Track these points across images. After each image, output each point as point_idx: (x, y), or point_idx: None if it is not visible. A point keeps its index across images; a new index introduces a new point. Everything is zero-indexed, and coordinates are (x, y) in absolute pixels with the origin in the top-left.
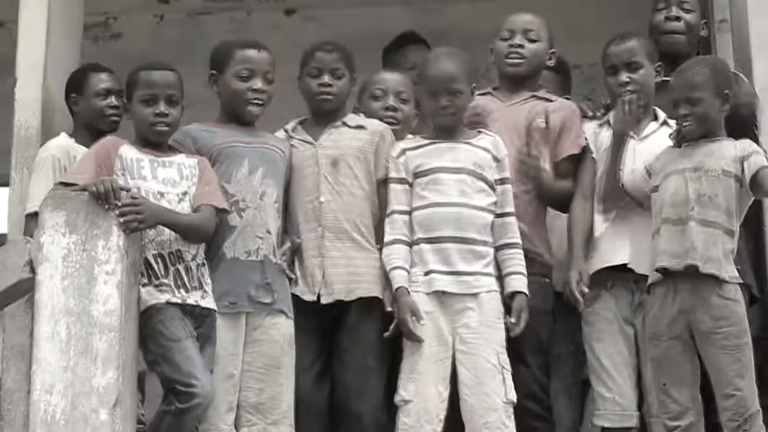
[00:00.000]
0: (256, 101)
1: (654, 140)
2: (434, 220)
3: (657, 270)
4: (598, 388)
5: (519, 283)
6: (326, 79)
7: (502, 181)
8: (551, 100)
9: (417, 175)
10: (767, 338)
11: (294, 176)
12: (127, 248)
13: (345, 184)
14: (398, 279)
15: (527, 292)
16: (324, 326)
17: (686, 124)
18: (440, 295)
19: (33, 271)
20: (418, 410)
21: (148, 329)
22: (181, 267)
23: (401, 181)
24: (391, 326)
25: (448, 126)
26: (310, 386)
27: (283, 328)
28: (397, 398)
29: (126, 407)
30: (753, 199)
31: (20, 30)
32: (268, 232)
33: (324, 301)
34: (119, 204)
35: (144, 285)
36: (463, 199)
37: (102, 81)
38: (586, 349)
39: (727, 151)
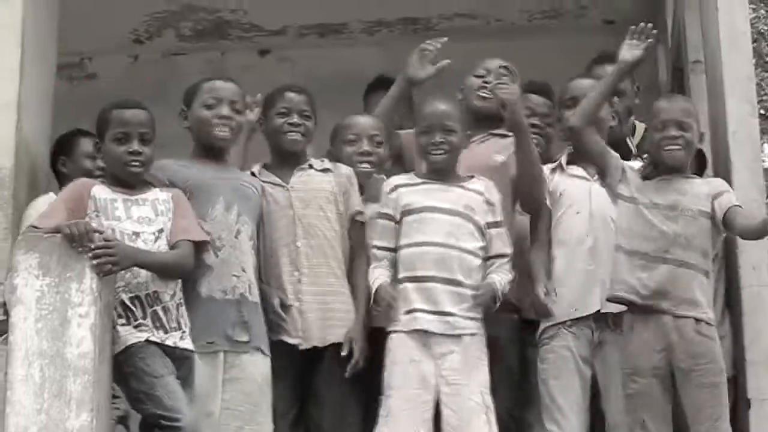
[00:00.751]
0: (222, 126)
1: None
2: (421, 259)
3: (622, 301)
4: (549, 427)
5: (498, 278)
6: (295, 119)
7: (496, 225)
8: (508, 136)
9: (406, 213)
10: (736, 377)
11: (267, 218)
12: (101, 291)
13: (318, 227)
14: (378, 279)
15: (500, 289)
16: (301, 369)
17: (675, 148)
18: (422, 336)
19: (6, 313)
20: None
21: (129, 367)
22: (158, 308)
23: (388, 217)
24: (349, 366)
25: (442, 165)
26: (287, 431)
27: (260, 366)
28: None
29: None
30: (723, 237)
31: None
32: (244, 270)
33: (301, 347)
34: (92, 246)
35: (123, 325)
36: (451, 240)
37: (90, 144)
38: (540, 386)
39: (699, 189)
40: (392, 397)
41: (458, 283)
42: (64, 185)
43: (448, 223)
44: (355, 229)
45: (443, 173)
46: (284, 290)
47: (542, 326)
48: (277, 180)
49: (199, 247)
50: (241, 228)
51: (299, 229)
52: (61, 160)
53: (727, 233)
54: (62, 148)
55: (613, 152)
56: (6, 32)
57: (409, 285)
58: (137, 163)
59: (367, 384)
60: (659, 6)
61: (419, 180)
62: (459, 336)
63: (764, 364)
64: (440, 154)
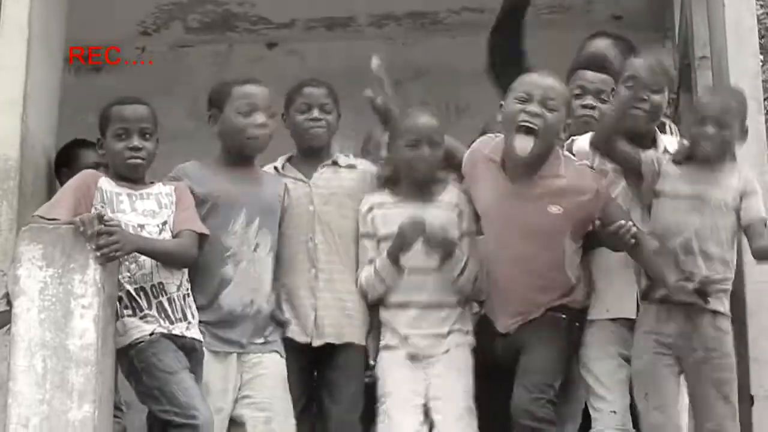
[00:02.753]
0: (259, 135)
1: None
2: (402, 287)
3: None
4: (597, 405)
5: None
6: (316, 113)
7: (468, 234)
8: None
9: (383, 238)
10: None
11: (286, 213)
12: (104, 282)
13: (336, 224)
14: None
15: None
16: (308, 365)
17: (707, 145)
18: (412, 356)
19: (9, 303)
20: None
21: (141, 363)
22: (164, 299)
23: (369, 236)
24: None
25: (423, 179)
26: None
27: (279, 364)
28: None
29: None
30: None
31: (0, 63)
32: (262, 283)
33: (315, 344)
34: (97, 230)
35: (129, 316)
36: (432, 264)
37: (91, 156)
38: (582, 370)
39: (729, 181)
40: (387, 403)
41: (441, 304)
42: None
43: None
44: None
45: (421, 185)
46: (297, 287)
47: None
48: (300, 175)
49: (201, 239)
50: (261, 241)
51: (317, 225)
52: (64, 172)
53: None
54: (64, 160)
55: (643, 155)
56: (13, 27)
57: (393, 311)
58: (138, 158)
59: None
60: (666, 1)
61: (393, 199)
62: (446, 350)
63: None
64: (425, 167)
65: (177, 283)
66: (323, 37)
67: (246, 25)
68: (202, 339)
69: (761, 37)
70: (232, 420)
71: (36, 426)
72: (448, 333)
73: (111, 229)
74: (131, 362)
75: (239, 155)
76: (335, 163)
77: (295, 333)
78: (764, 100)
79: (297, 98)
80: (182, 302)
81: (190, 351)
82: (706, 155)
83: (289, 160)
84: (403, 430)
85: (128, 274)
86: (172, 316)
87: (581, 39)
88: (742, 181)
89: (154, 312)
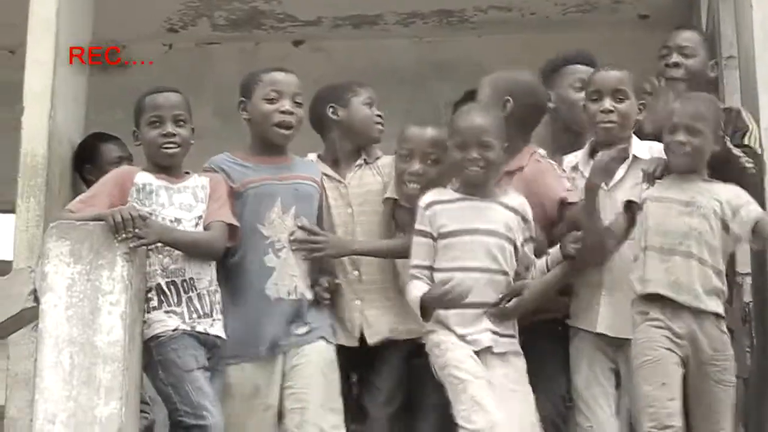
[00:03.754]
0: (284, 123)
1: (626, 185)
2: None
3: (647, 296)
4: (577, 419)
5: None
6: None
7: (532, 240)
8: None
9: (444, 235)
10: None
11: (323, 214)
12: (132, 279)
13: (375, 223)
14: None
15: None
16: (353, 364)
17: (681, 153)
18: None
19: (37, 300)
20: None
21: (159, 356)
22: (194, 294)
23: (425, 234)
24: None
25: (478, 181)
26: None
27: (323, 351)
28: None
29: None
30: (732, 249)
31: (27, 58)
32: (303, 270)
33: (370, 341)
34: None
35: (154, 309)
36: (494, 265)
37: (114, 150)
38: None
39: (718, 193)
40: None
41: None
42: None
43: (489, 245)
44: (388, 206)
45: (480, 186)
46: (341, 290)
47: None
48: (335, 175)
49: (232, 231)
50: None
51: (358, 227)
52: (87, 168)
53: (755, 245)
54: (87, 156)
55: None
56: (39, 23)
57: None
58: (172, 145)
59: None
60: (693, 0)
61: (457, 196)
62: (504, 354)
63: None
64: (476, 170)
65: (208, 278)
66: (350, 35)
67: (273, 23)
68: (225, 337)
69: None
70: (280, 413)
71: (63, 422)
72: (504, 336)
73: (135, 217)
74: (150, 355)
75: (268, 144)
76: (366, 162)
77: (342, 338)
78: None
79: (359, 94)
80: (212, 298)
81: (212, 347)
82: (680, 163)
83: (320, 157)
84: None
85: (160, 268)
86: (200, 311)
87: (608, 38)
88: (732, 194)
89: (183, 308)
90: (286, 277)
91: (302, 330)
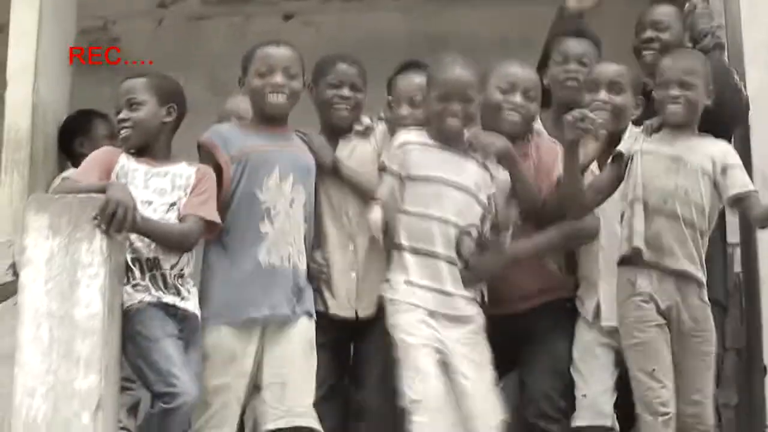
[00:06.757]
0: (275, 95)
1: None
2: (428, 234)
3: (633, 257)
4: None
5: None
6: (346, 92)
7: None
8: None
9: (415, 177)
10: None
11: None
12: (111, 252)
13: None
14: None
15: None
16: (343, 340)
17: (674, 107)
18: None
19: (16, 274)
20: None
21: (127, 330)
22: (157, 273)
23: (393, 173)
24: None
25: (454, 133)
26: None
27: (303, 329)
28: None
29: (108, 411)
30: (722, 207)
31: (11, 32)
32: (296, 239)
33: (362, 314)
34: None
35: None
36: (459, 220)
37: (105, 127)
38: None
39: (707, 149)
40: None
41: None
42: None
43: (459, 200)
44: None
45: (455, 138)
46: (335, 262)
47: None
48: None
49: (210, 227)
50: (296, 197)
51: (350, 202)
52: (79, 141)
53: (732, 209)
54: (80, 129)
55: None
56: None
57: (409, 257)
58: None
59: None
60: None
61: (432, 141)
62: (459, 318)
63: None
64: (455, 122)
65: (172, 262)
66: (340, 8)
67: None
68: (197, 313)
69: None
70: (256, 385)
71: (42, 395)
72: (466, 299)
73: (129, 221)
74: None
75: (267, 116)
76: (356, 133)
77: (337, 309)
78: None
79: (329, 73)
80: (175, 281)
81: (182, 319)
82: (675, 117)
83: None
84: None
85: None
86: (163, 289)
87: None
88: (722, 152)
89: (147, 282)
90: (281, 245)
91: (287, 305)
